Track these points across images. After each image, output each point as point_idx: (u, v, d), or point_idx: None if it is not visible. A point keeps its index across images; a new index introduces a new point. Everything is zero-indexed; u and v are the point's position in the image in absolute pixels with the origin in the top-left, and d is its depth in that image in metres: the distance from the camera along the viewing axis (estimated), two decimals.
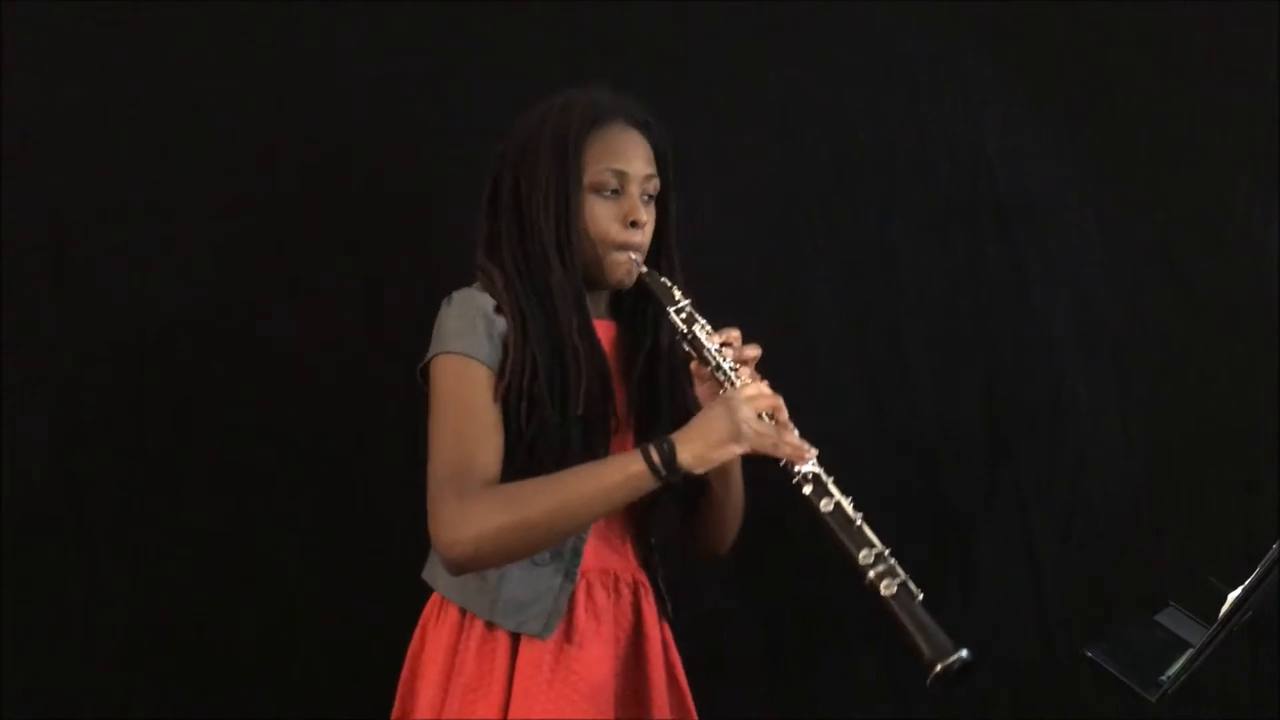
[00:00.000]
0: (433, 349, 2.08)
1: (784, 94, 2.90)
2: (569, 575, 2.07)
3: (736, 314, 2.89)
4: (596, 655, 2.06)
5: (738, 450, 1.96)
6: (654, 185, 2.16)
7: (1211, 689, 2.73)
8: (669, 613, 2.20)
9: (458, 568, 2.01)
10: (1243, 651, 2.76)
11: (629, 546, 2.17)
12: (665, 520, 2.24)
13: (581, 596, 2.08)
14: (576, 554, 2.08)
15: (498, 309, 2.07)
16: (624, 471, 1.96)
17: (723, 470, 2.12)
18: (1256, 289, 2.87)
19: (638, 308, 2.19)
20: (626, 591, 2.14)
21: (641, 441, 2.03)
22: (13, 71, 2.72)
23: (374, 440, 2.76)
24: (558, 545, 2.04)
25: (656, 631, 2.15)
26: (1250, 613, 1.94)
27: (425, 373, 2.10)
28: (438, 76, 2.83)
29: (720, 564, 2.26)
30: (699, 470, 1.96)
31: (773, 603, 2.87)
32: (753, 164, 2.88)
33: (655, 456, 1.94)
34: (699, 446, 1.95)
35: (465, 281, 2.17)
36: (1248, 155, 2.89)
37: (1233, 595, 1.95)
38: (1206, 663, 1.96)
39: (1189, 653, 1.97)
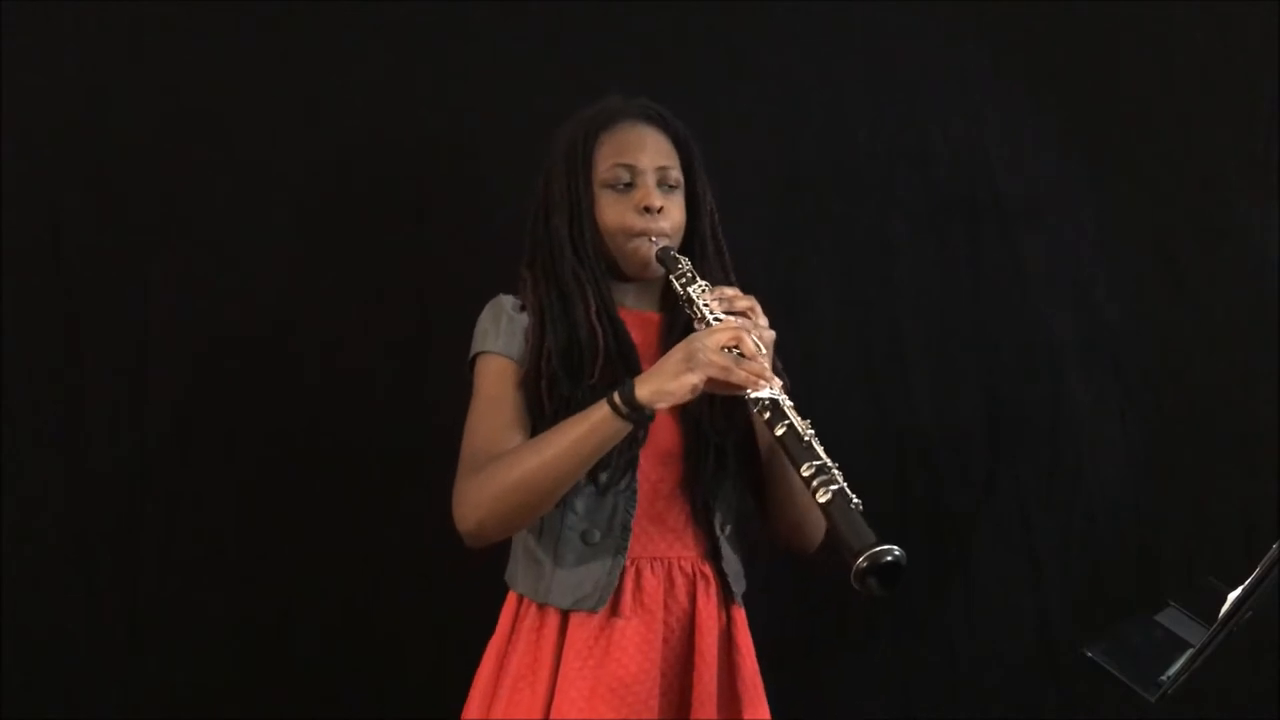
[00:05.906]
0: (471, 353, 2.21)
1: (784, 94, 2.90)
2: (619, 550, 2.12)
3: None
4: (638, 643, 2.10)
5: (693, 379, 1.98)
6: (673, 175, 2.23)
7: (1211, 689, 2.73)
8: (740, 601, 2.21)
9: (472, 539, 2.09)
10: (1243, 651, 2.76)
11: (690, 534, 2.18)
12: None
13: (629, 582, 2.12)
14: (625, 530, 2.13)
15: (520, 307, 2.19)
16: (590, 418, 2.02)
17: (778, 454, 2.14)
18: (1256, 289, 2.87)
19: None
20: (682, 580, 2.15)
21: (685, 418, 2.14)
22: (13, 72, 2.72)
23: (375, 440, 2.77)
24: (550, 504, 2.07)
25: (713, 626, 2.16)
26: (1250, 613, 1.94)
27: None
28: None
29: (816, 563, 2.22)
30: (661, 404, 2.00)
31: (774, 602, 2.87)
32: (753, 164, 2.87)
33: (616, 397, 2.01)
34: (656, 380, 2.00)
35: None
36: (1248, 155, 2.89)
37: (1233, 595, 1.94)
38: (1206, 663, 1.96)
39: (1189, 653, 1.96)
